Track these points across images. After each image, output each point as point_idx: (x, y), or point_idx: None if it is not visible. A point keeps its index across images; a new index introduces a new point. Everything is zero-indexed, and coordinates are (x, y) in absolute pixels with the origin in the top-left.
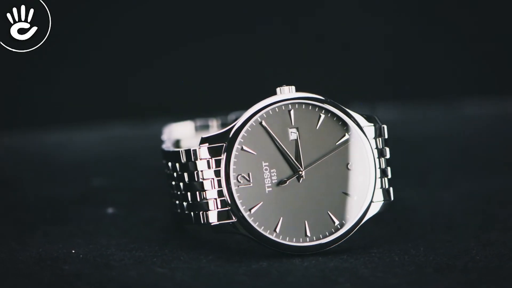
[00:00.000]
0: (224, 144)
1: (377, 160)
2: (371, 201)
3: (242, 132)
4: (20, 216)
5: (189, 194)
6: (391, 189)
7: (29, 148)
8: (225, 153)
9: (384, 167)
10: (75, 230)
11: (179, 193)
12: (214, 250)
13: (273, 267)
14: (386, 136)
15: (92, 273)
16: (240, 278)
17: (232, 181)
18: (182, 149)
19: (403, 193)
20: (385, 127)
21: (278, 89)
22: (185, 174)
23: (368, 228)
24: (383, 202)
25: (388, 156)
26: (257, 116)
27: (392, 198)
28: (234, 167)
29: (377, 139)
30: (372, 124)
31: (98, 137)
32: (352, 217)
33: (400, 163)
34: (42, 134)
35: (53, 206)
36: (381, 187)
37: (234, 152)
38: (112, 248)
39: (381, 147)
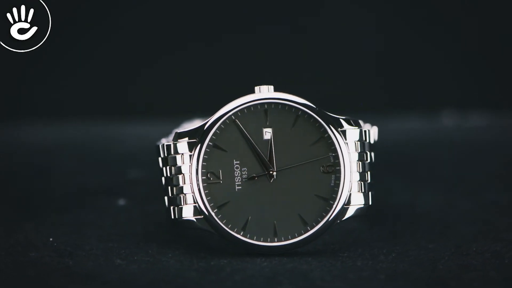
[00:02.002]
0: (196, 140)
1: (355, 163)
2: (345, 204)
3: (214, 129)
4: (32, 203)
5: (166, 188)
6: (370, 193)
7: (89, 140)
8: (196, 149)
9: (363, 171)
10: (71, 219)
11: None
12: (190, 246)
13: (230, 265)
14: (369, 140)
15: (51, 262)
16: (189, 274)
17: (201, 177)
18: (161, 144)
19: (421, 200)
20: (368, 131)
21: (256, 88)
22: (164, 169)
23: (358, 231)
24: (360, 206)
25: (369, 160)
26: (231, 114)
27: (370, 203)
28: (204, 163)
29: (358, 143)
30: (356, 127)
31: (168, 131)
32: (322, 220)
33: (437, 170)
34: (121, 128)
35: (70, 196)
36: (359, 191)
37: (204, 149)
38: (92, 238)
39: (362, 150)
